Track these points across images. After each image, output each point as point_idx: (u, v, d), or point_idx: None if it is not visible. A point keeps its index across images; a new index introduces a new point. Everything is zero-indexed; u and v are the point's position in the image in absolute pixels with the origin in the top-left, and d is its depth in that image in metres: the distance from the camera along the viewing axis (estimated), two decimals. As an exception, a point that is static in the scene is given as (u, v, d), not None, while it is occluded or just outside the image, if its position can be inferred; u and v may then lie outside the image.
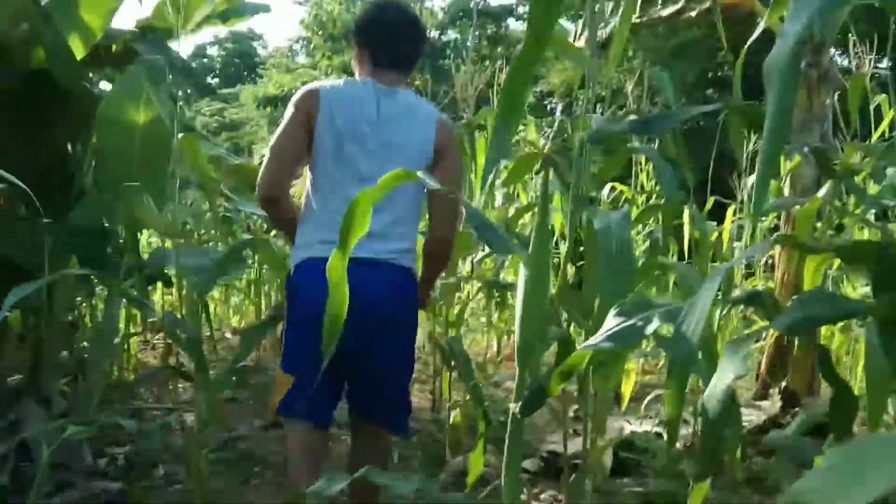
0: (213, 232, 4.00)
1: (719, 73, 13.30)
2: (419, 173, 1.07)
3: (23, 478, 2.04)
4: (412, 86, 2.28)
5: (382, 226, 1.66)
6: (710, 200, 3.54)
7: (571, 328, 1.37)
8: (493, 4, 16.18)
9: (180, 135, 1.82)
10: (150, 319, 3.30)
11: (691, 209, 1.98)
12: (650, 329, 0.80)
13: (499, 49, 13.50)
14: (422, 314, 2.52)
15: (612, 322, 0.83)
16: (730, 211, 3.77)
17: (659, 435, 2.61)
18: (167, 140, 1.88)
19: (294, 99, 1.81)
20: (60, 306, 2.49)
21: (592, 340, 0.83)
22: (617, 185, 4.22)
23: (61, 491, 2.11)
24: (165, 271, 2.83)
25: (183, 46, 7.11)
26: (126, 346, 3.56)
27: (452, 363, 2.09)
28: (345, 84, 1.81)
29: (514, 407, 0.99)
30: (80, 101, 2.60)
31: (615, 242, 1.14)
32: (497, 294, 3.64)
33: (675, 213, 1.80)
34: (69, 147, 2.73)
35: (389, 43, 1.82)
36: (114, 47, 4.17)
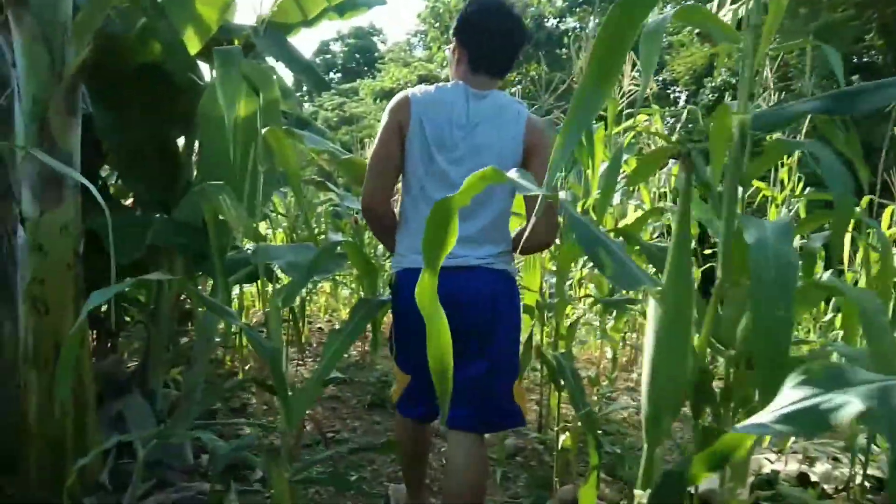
0: (300, 231, 3.97)
1: (864, 59, 11.94)
2: (510, 173, 0.90)
3: (123, 475, 2.05)
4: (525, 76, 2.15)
5: (476, 230, 1.69)
6: (865, 200, 3.06)
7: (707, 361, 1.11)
8: (614, -10, 15.48)
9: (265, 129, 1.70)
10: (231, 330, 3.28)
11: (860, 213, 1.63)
12: (847, 414, 0.55)
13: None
14: (527, 321, 2.32)
15: (791, 395, 0.59)
16: (888, 213, 3.26)
17: (804, 477, 2.25)
18: (252, 135, 1.79)
19: (387, 108, 1.79)
20: (167, 301, 2.50)
21: (760, 418, 0.59)
22: (755, 181, 3.79)
23: (160, 490, 2.09)
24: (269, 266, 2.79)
25: (304, 42, 7.22)
26: (238, 338, 3.61)
27: (561, 382, 1.87)
28: (436, 90, 1.77)
29: (640, 495, 0.77)
30: (192, 96, 2.59)
31: (773, 259, 0.89)
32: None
33: (848, 220, 1.47)
34: (182, 142, 2.75)
35: (490, 49, 1.78)
36: (235, 42, 4.25)
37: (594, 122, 2.63)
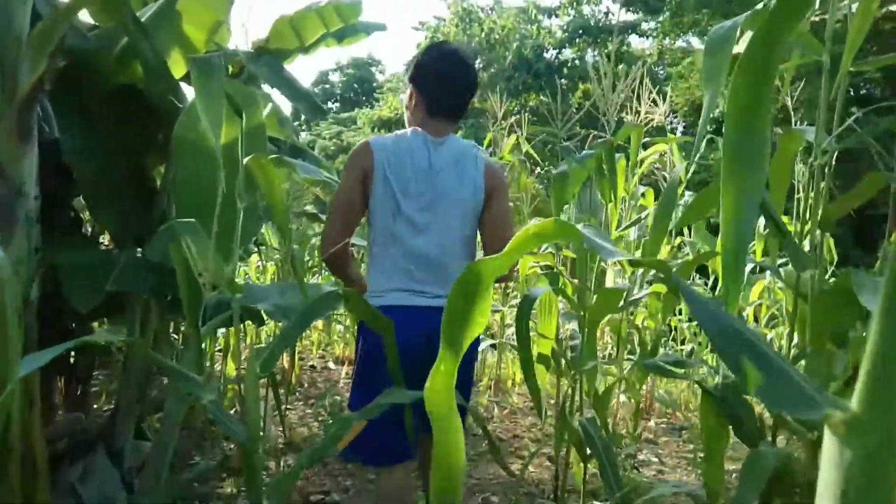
0: (282, 274, 3.73)
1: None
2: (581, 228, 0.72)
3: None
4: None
5: (448, 274, 1.78)
6: None
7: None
8: (613, 22, 15.53)
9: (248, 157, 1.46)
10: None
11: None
12: None
13: (620, 66, 12.87)
14: (542, 373, 2.06)
15: None
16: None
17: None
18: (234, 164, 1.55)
19: (350, 156, 1.85)
20: (135, 353, 2.23)
21: None
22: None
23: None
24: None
25: (302, 71, 7.09)
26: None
27: (588, 452, 1.61)
28: (397, 138, 1.84)
29: None
30: (173, 121, 2.37)
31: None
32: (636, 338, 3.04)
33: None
34: (161, 170, 2.51)
35: (446, 95, 1.85)
36: (230, 69, 4.04)
37: (615, 151, 2.38)
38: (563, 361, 2.10)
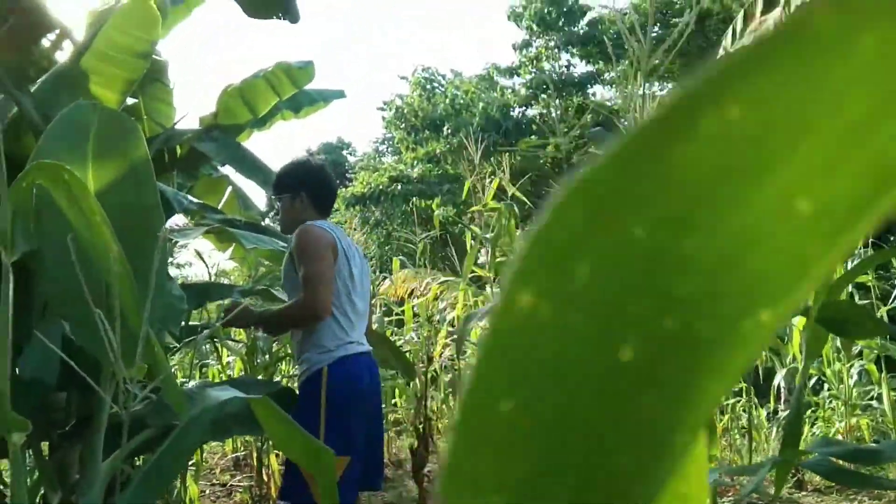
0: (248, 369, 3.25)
1: None
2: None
3: None
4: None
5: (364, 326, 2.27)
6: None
7: None
8: (575, 74, 15.56)
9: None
10: None
11: None
12: None
13: (588, 117, 12.77)
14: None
15: None
16: None
17: None
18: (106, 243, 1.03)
19: (317, 234, 2.15)
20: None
21: None
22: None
23: None
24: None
25: (270, 156, 6.77)
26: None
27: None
28: (339, 231, 2.28)
29: None
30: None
31: None
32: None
33: None
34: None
35: (331, 196, 2.41)
36: (178, 150, 3.60)
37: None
38: None
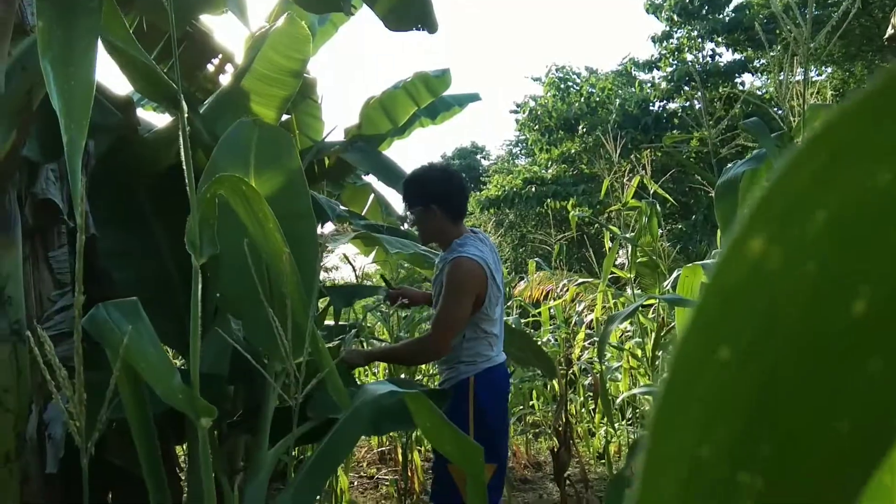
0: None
1: None
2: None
3: None
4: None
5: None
6: None
7: None
8: (721, 63, 14.65)
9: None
10: None
11: None
12: None
13: (737, 108, 11.98)
14: None
15: None
16: None
17: None
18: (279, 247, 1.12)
19: (472, 282, 2.11)
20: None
21: None
22: None
23: None
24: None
25: (408, 162, 7.00)
26: None
27: None
28: (489, 249, 2.24)
29: None
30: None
31: None
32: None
33: None
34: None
35: (462, 202, 2.32)
36: (327, 161, 3.84)
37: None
38: None
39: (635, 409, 4.37)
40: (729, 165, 1.49)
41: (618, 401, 3.74)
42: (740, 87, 14.73)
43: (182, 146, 1.08)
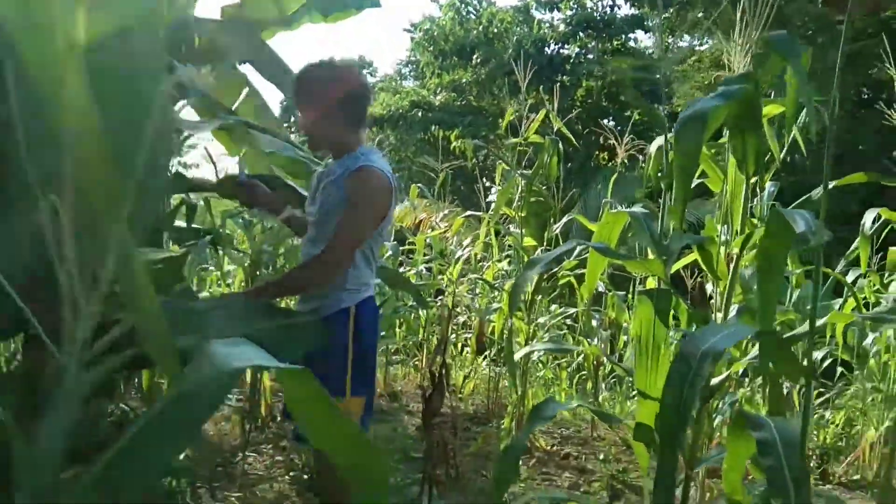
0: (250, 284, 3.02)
1: None
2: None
3: None
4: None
5: None
6: None
7: None
8: (618, 16, 14.74)
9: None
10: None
11: None
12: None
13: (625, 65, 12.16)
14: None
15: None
16: None
17: None
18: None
19: (382, 195, 1.95)
20: None
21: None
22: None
23: None
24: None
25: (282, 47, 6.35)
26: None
27: None
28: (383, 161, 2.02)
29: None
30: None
31: None
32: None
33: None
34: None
35: (366, 109, 2.10)
36: (196, 41, 3.28)
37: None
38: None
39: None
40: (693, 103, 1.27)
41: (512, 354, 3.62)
42: (632, 44, 14.99)
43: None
